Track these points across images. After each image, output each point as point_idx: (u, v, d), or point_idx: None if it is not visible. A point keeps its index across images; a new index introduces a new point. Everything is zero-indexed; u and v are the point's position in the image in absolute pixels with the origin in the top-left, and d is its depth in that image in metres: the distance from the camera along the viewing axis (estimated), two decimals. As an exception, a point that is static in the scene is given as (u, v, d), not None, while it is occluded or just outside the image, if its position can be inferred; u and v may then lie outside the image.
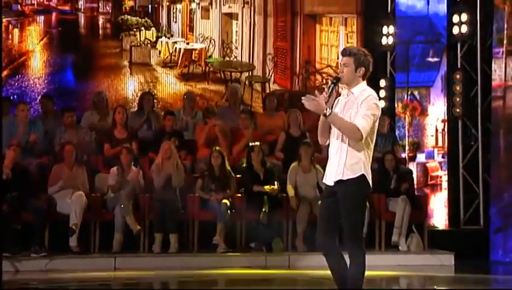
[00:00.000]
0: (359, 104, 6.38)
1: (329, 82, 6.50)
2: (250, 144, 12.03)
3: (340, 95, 6.53)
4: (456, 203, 13.24)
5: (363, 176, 6.37)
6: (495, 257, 12.20)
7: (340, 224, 6.47)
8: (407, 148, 13.62)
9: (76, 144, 11.50)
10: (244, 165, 11.89)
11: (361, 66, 6.43)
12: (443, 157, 13.65)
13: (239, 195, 11.55)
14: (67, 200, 10.85)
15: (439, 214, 12.91)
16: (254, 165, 11.74)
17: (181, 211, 11.32)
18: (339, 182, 6.40)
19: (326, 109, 6.29)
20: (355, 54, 6.48)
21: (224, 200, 11.26)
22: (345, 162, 6.38)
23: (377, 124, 6.44)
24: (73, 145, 11.31)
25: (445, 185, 13.42)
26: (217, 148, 11.75)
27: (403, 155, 13.22)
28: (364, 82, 6.52)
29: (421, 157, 13.58)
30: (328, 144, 6.56)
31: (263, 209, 11.33)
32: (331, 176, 6.49)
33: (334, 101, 6.48)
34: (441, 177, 13.52)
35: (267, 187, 11.58)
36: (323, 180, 6.65)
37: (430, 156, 13.68)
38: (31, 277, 10.00)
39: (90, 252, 10.95)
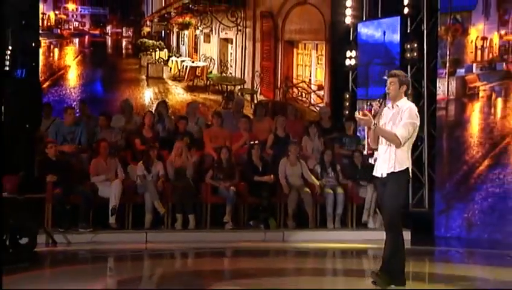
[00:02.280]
0: (402, 112, 6.54)
1: (379, 99, 6.67)
2: (251, 142, 12.00)
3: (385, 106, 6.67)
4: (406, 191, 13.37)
5: (407, 169, 6.57)
6: (439, 233, 12.19)
7: None
8: (366, 147, 13.45)
9: (110, 141, 11.40)
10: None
11: (403, 84, 6.65)
12: None
13: (242, 183, 11.48)
14: (107, 186, 10.77)
15: None
16: (254, 160, 11.70)
17: (197, 196, 11.20)
18: (390, 174, 6.54)
19: (374, 124, 6.49)
20: (398, 76, 6.71)
21: (232, 187, 11.23)
22: (395, 158, 6.54)
23: (417, 129, 6.64)
24: (107, 142, 11.21)
25: None
26: (226, 145, 11.71)
27: (364, 152, 13.12)
28: (406, 97, 6.70)
29: (377, 154, 13.42)
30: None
31: (264, 195, 11.32)
32: (381, 169, 6.64)
33: (382, 112, 6.62)
34: None
35: (265, 177, 11.54)
36: (374, 173, 6.77)
37: None
38: (80, 248, 9.94)
39: (126, 229, 10.87)
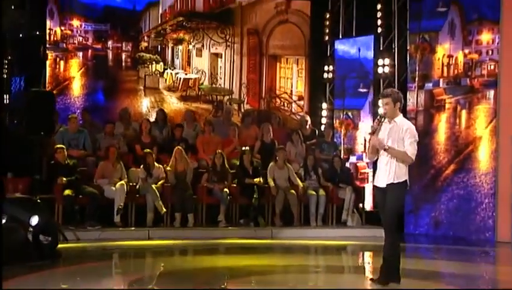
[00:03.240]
0: (403, 131, 6.48)
1: (378, 118, 6.61)
2: (243, 148, 11.98)
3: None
4: None
5: (405, 181, 6.55)
6: (408, 230, 12.25)
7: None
8: (342, 152, 13.57)
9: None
10: (237, 163, 11.80)
11: (397, 101, 6.55)
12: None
13: (234, 185, 11.48)
14: (112, 188, 10.71)
15: (367, 199, 12.93)
16: (245, 164, 11.71)
17: (193, 197, 11.18)
18: (390, 185, 6.50)
19: (387, 146, 6.44)
20: (391, 95, 6.60)
21: (225, 189, 11.22)
22: (394, 171, 6.51)
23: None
24: (115, 148, 11.20)
25: (370, 178, 13.17)
26: (219, 151, 11.68)
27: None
28: (401, 114, 6.63)
29: (353, 159, 13.52)
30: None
31: (254, 196, 11.30)
32: (382, 181, 6.58)
33: (381, 129, 6.53)
34: (367, 173, 13.36)
35: (256, 180, 11.56)
36: (375, 183, 6.72)
37: (360, 158, 13.57)
38: (88, 244, 9.78)
39: (129, 226, 10.81)
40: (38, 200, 9.03)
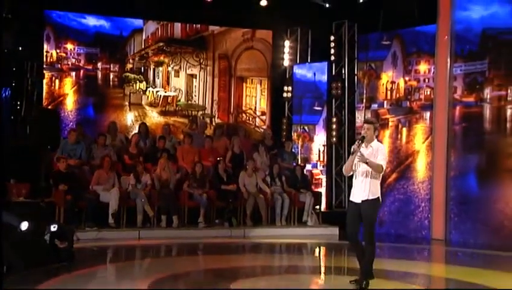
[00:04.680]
0: (377, 152, 6.53)
1: (358, 141, 6.54)
2: (218, 158, 11.99)
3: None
4: (330, 195, 13.36)
5: (378, 197, 6.53)
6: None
7: (360, 223, 6.56)
8: (300, 161, 13.64)
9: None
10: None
11: (376, 130, 6.63)
12: (323, 167, 13.67)
13: (212, 191, 11.41)
14: (107, 193, 10.62)
15: (323, 202, 12.99)
16: (220, 172, 11.70)
17: (177, 201, 11.11)
18: (365, 201, 6.49)
19: (367, 160, 6.41)
20: (374, 123, 6.70)
21: (204, 194, 11.19)
22: (369, 188, 6.49)
23: None
24: (109, 158, 11.11)
25: (324, 184, 13.52)
26: (198, 161, 11.64)
27: (294, 164, 13.11)
28: (376, 139, 6.64)
29: (308, 166, 13.63)
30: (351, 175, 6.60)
31: (230, 200, 11.35)
32: (358, 197, 6.53)
33: (359, 150, 6.47)
34: (321, 179, 13.60)
35: (229, 186, 11.57)
36: (351, 199, 6.61)
37: (315, 166, 13.76)
38: (87, 244, 9.63)
39: (121, 227, 10.69)
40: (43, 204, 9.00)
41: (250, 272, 8.15)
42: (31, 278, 6.67)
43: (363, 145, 6.56)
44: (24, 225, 7.50)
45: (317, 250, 11.02)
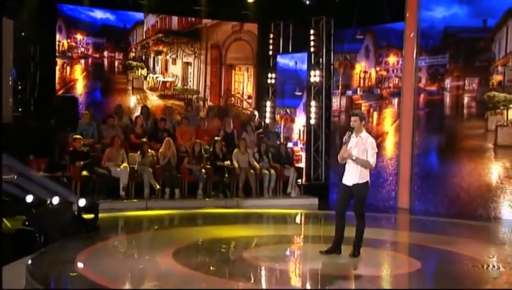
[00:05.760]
0: (366, 143, 6.55)
1: (348, 132, 6.54)
2: (215, 138, 12.04)
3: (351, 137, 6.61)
4: (309, 169, 13.53)
5: (367, 181, 6.65)
6: (332, 198, 12.20)
7: (349, 203, 6.57)
8: (282, 139, 13.71)
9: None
10: (210, 149, 11.88)
11: (363, 120, 6.61)
12: (303, 145, 13.77)
13: (209, 167, 11.50)
14: (118, 169, 10.75)
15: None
16: (216, 150, 11.80)
17: (178, 176, 11.25)
18: (355, 184, 6.59)
19: (354, 156, 6.48)
20: (360, 115, 6.69)
21: (202, 170, 11.33)
22: (359, 174, 6.61)
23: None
24: (118, 137, 11.21)
25: (303, 160, 13.65)
26: (198, 140, 11.74)
27: (278, 143, 13.22)
28: (365, 130, 6.66)
29: (290, 144, 13.63)
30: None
31: (226, 175, 11.47)
32: (349, 180, 6.61)
33: (350, 140, 6.55)
34: (301, 155, 13.72)
35: (226, 163, 11.68)
36: (343, 181, 6.65)
37: (295, 144, 13.88)
38: (102, 215, 9.45)
39: (131, 199, 10.81)
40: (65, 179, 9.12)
41: (258, 241, 8.20)
42: (69, 246, 6.81)
43: (353, 135, 6.57)
44: (29, 198, 7.48)
45: (310, 219, 11.06)
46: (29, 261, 6.05)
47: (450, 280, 6.16)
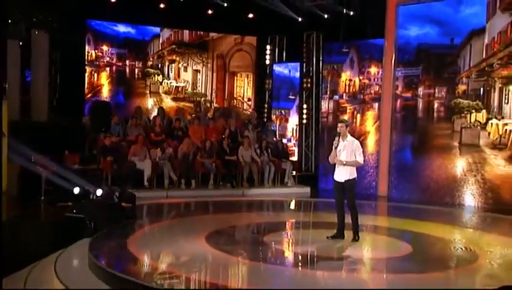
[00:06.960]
0: (353, 146, 6.61)
1: (337, 137, 6.60)
2: (223, 136, 12.20)
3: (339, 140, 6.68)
4: (300, 162, 13.63)
5: (355, 178, 6.74)
6: (321, 187, 12.54)
7: (344, 194, 6.66)
8: (278, 136, 13.79)
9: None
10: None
11: (348, 126, 6.71)
12: (295, 141, 13.92)
13: (218, 160, 11.64)
14: (141, 163, 10.90)
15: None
16: (224, 146, 11.98)
17: (193, 168, 11.32)
18: (346, 180, 6.67)
19: (345, 161, 6.54)
20: (346, 122, 6.82)
21: (213, 163, 11.46)
22: (349, 171, 6.69)
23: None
24: (142, 135, 11.36)
25: (296, 154, 13.80)
26: (209, 138, 11.87)
27: (274, 139, 13.39)
28: (349, 134, 6.71)
29: (284, 141, 13.71)
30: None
31: (232, 168, 11.66)
32: (341, 177, 6.65)
33: (338, 143, 6.64)
34: (294, 150, 13.84)
35: (232, 157, 11.83)
36: (335, 178, 6.67)
37: (289, 140, 13.99)
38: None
39: (153, 188, 10.91)
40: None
41: (274, 227, 8.08)
42: (116, 233, 6.89)
43: (341, 139, 6.66)
44: (76, 190, 7.71)
45: (310, 206, 10.98)
46: (90, 244, 6.11)
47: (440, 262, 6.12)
